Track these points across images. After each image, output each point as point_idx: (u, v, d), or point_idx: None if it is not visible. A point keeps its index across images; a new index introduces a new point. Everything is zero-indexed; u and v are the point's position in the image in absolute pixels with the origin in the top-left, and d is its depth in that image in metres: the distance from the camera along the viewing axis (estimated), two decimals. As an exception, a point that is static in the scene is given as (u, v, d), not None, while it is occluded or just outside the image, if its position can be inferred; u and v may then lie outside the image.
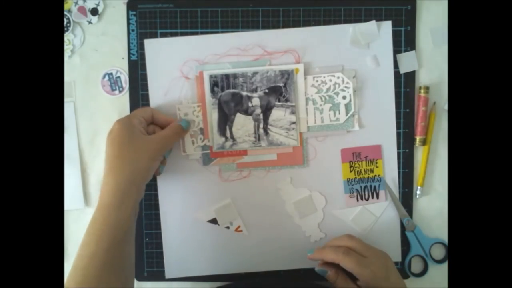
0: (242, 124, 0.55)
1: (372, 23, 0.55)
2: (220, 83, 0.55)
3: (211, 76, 0.55)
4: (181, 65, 0.56)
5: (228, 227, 0.56)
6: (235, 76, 0.55)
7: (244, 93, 0.55)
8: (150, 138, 0.49)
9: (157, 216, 0.57)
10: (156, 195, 0.57)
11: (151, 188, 0.57)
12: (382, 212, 0.56)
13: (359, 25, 0.55)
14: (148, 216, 0.57)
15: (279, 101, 0.55)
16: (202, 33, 0.56)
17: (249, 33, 0.56)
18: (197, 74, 0.55)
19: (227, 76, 0.55)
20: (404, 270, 0.57)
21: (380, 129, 0.56)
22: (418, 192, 0.56)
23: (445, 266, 0.56)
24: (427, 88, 0.55)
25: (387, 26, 0.56)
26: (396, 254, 0.57)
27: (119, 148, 0.47)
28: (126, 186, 0.46)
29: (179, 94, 0.56)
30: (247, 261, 0.57)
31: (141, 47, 0.56)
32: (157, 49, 0.56)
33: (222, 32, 0.56)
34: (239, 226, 0.56)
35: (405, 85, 0.56)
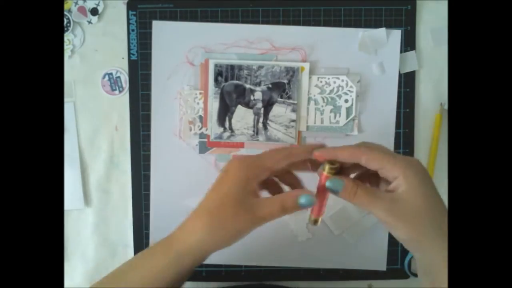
0: (242, 117, 0.55)
1: (382, 30, 0.55)
2: (224, 73, 0.55)
3: (216, 65, 0.55)
4: (187, 50, 0.56)
5: None
6: (240, 67, 0.55)
7: (248, 86, 0.55)
8: (255, 207, 0.38)
9: (146, 197, 0.57)
10: (148, 176, 0.57)
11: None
12: (365, 214, 0.56)
13: (369, 31, 0.55)
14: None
15: (281, 97, 0.55)
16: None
17: (259, 26, 0.56)
18: (202, 62, 0.55)
19: (232, 67, 0.55)
20: (403, 270, 0.57)
21: (378, 136, 0.56)
22: None
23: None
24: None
25: (396, 35, 0.55)
26: (395, 254, 0.57)
27: (226, 210, 0.38)
28: (209, 250, 0.39)
29: (182, 79, 0.56)
30: (231, 253, 0.56)
31: (141, 47, 0.56)
32: (165, 32, 0.56)
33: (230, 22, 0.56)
34: None
35: (405, 85, 0.56)
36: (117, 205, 0.58)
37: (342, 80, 0.55)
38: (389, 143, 0.56)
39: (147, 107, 0.56)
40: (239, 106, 0.55)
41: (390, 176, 0.38)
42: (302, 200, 0.38)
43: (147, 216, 0.57)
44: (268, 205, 0.38)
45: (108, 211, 0.58)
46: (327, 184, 0.38)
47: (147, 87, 0.56)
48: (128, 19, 0.56)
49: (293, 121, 0.55)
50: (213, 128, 0.56)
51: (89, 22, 0.56)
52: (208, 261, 0.57)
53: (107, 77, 0.57)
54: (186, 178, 0.56)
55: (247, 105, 0.55)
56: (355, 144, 0.39)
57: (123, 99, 0.57)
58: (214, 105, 0.55)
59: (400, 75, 0.56)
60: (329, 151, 0.39)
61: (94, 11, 0.56)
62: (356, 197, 0.37)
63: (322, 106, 0.56)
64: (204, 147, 0.56)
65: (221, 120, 0.55)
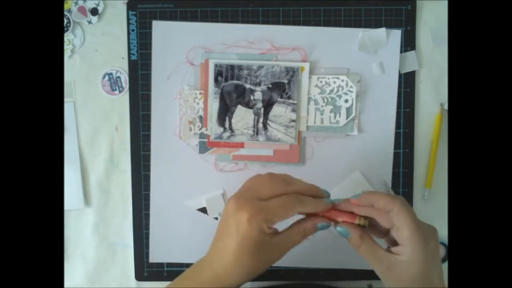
0: (242, 117, 0.55)
1: (382, 30, 0.55)
2: (224, 73, 0.55)
3: (216, 65, 0.55)
4: (187, 50, 0.56)
5: (216, 218, 0.56)
6: (240, 67, 0.55)
7: (248, 86, 0.55)
8: (276, 246, 0.41)
9: (146, 197, 0.57)
10: (148, 176, 0.57)
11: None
12: None
13: (369, 31, 0.55)
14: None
15: (281, 97, 0.55)
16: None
17: (259, 26, 0.56)
18: (202, 62, 0.55)
19: (232, 67, 0.55)
20: (404, 270, 0.57)
21: (378, 135, 0.56)
22: (426, 193, 0.56)
23: (445, 266, 0.56)
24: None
25: (396, 35, 0.55)
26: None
27: (244, 255, 0.39)
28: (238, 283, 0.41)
29: (182, 79, 0.56)
30: None
31: (141, 47, 0.56)
32: (165, 32, 0.56)
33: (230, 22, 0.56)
34: None
35: (405, 85, 0.56)
36: (117, 205, 0.58)
37: (342, 80, 0.55)
38: (389, 143, 0.56)
39: (147, 107, 0.56)
40: (239, 106, 0.55)
41: (401, 239, 0.39)
42: (320, 225, 0.42)
43: (147, 216, 0.57)
44: (290, 238, 0.42)
45: (108, 211, 0.58)
46: (338, 228, 0.42)
47: (147, 87, 0.56)
48: (128, 19, 0.56)
49: (293, 121, 0.55)
50: (213, 128, 0.56)
51: (89, 22, 0.56)
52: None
53: (107, 77, 0.57)
54: (186, 178, 0.56)
55: (247, 105, 0.55)
56: (391, 195, 0.41)
57: (123, 99, 0.57)
58: (214, 105, 0.55)
59: (400, 75, 0.56)
60: (366, 198, 0.41)
61: (94, 11, 0.56)
62: (359, 250, 0.41)
63: (322, 106, 0.56)
64: (204, 147, 0.56)
65: (221, 120, 0.55)
